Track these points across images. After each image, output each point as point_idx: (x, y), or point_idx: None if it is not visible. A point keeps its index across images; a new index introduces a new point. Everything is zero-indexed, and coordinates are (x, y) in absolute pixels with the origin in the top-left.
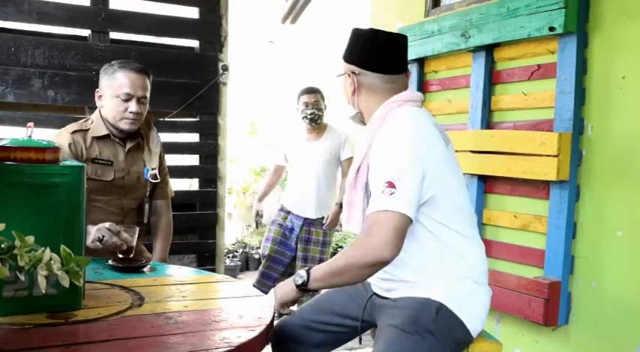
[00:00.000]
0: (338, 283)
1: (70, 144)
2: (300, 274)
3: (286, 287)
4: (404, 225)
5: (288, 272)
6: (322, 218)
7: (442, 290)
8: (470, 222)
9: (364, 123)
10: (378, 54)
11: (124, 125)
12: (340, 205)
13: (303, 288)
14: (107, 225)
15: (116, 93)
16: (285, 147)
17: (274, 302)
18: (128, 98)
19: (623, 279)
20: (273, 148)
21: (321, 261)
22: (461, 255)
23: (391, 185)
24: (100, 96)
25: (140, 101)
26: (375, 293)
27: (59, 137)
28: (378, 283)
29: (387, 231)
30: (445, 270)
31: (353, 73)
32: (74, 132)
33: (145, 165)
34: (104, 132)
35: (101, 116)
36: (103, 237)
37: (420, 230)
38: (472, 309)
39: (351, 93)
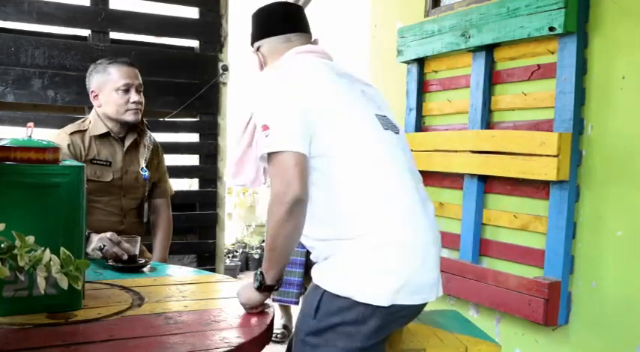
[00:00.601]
0: (280, 257)
1: (69, 146)
2: (255, 276)
3: (248, 293)
4: (288, 159)
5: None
6: None
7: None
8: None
9: None
10: (266, 19)
11: (129, 116)
12: None
13: (265, 288)
14: (108, 234)
15: (115, 86)
16: None
17: (243, 308)
18: (127, 88)
19: (623, 279)
20: None
21: None
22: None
23: (265, 127)
24: (96, 95)
25: (138, 90)
26: None
27: (58, 138)
28: None
29: (278, 173)
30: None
31: (257, 49)
32: (73, 133)
33: (142, 164)
34: (103, 130)
35: (98, 115)
36: (104, 246)
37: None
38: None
39: (260, 70)
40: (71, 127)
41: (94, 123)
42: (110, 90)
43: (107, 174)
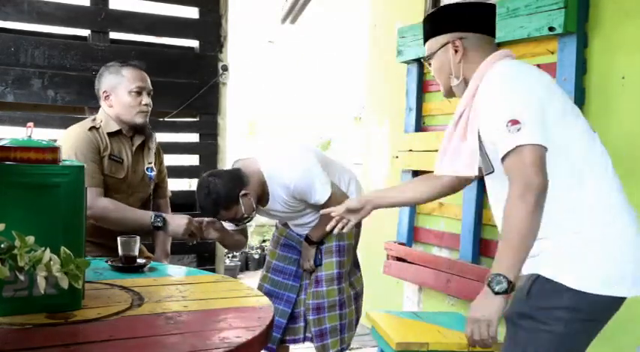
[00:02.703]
0: (528, 250)
1: (91, 141)
2: (493, 281)
3: (491, 306)
4: (541, 154)
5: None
6: None
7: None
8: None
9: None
10: (482, 15)
11: (140, 118)
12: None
13: (511, 289)
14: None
15: (129, 88)
16: None
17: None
18: (140, 91)
19: None
20: None
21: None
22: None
23: (515, 122)
24: (108, 95)
25: (149, 93)
26: None
27: (78, 136)
28: None
29: (534, 170)
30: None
31: (460, 38)
32: (90, 129)
33: (146, 164)
34: (116, 127)
35: (108, 114)
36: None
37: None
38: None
39: (457, 61)
40: (85, 124)
41: (105, 121)
42: (123, 92)
43: (120, 171)
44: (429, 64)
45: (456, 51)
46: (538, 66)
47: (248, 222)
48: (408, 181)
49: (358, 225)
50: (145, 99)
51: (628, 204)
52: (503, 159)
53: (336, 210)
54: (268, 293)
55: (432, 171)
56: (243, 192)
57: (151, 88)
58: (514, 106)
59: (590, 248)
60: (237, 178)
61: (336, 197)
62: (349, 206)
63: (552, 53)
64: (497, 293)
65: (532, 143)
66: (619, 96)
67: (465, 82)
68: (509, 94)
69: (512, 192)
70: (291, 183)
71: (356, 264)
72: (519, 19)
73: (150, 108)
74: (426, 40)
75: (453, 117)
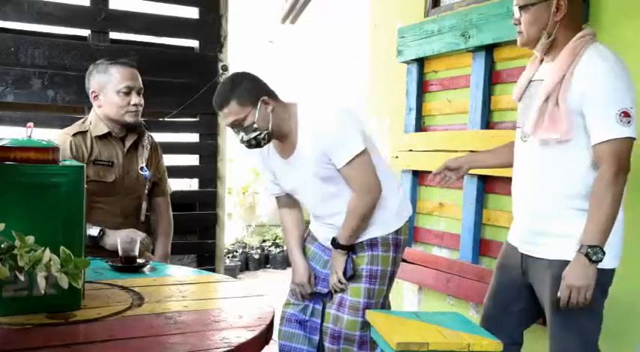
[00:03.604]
0: (613, 220)
1: (71, 147)
2: (590, 252)
3: (587, 273)
4: (629, 146)
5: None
6: None
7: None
8: None
9: (543, 53)
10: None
11: (129, 118)
12: None
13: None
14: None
15: (117, 88)
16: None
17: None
18: (129, 91)
19: (622, 279)
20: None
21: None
22: None
23: (627, 114)
24: (96, 95)
25: (139, 92)
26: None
27: (60, 140)
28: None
29: (628, 158)
30: None
31: None
32: (75, 134)
33: (140, 164)
34: (105, 130)
35: (98, 115)
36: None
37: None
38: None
39: (557, 20)
40: (72, 129)
41: (95, 123)
42: (111, 92)
43: (110, 175)
44: (519, 11)
45: (558, 9)
46: None
47: (249, 145)
48: (500, 146)
49: (396, 250)
50: (135, 99)
51: None
52: (600, 142)
53: (436, 168)
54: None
55: (432, 171)
56: (265, 97)
57: (142, 86)
58: (626, 99)
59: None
60: (267, 87)
61: (368, 166)
62: (448, 164)
63: None
64: (593, 262)
65: (634, 137)
66: None
67: (553, 43)
68: (622, 86)
69: (607, 174)
70: (324, 123)
71: (387, 304)
72: None
73: (141, 108)
74: None
75: (544, 82)
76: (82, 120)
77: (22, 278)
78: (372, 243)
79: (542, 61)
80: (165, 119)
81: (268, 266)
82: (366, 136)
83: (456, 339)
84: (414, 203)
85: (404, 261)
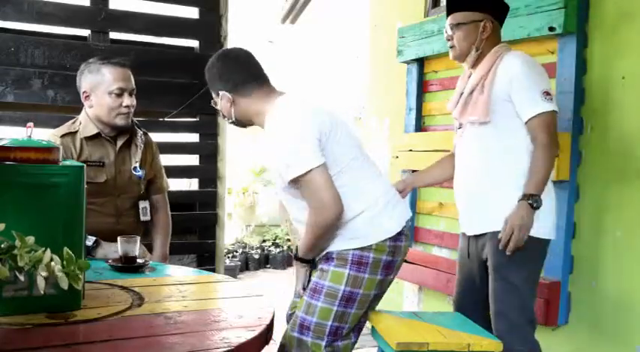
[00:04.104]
0: (548, 176)
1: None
2: (534, 199)
3: (528, 216)
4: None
5: None
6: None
7: None
8: None
9: (471, 65)
10: (506, 8)
11: (120, 120)
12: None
13: (538, 207)
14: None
15: (108, 89)
16: None
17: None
18: (121, 92)
19: (622, 279)
20: None
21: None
22: None
23: (548, 93)
24: (88, 96)
25: (131, 94)
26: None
27: (55, 142)
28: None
29: (555, 127)
30: None
31: (491, 21)
32: (63, 135)
33: (133, 164)
34: (94, 131)
35: (88, 116)
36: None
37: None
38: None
39: (484, 38)
40: (62, 129)
41: (85, 124)
42: (103, 93)
43: (101, 175)
44: (451, 29)
45: (484, 29)
46: None
47: (235, 124)
48: (437, 162)
49: (359, 269)
50: (127, 101)
51: None
52: (532, 117)
53: None
54: None
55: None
56: (222, 92)
57: (134, 86)
58: (544, 82)
59: (547, 203)
60: (235, 77)
61: (319, 184)
62: (395, 187)
63: (552, 53)
64: (534, 208)
65: (556, 110)
66: (619, 97)
67: (479, 57)
68: (542, 73)
69: (542, 142)
70: (274, 134)
71: (358, 328)
72: (519, 19)
73: (132, 109)
74: (457, 9)
75: (469, 80)
76: (72, 120)
77: (22, 278)
78: (328, 257)
79: (470, 75)
80: (165, 119)
81: (268, 266)
82: (338, 139)
83: (456, 339)
84: (413, 203)
85: (404, 261)
